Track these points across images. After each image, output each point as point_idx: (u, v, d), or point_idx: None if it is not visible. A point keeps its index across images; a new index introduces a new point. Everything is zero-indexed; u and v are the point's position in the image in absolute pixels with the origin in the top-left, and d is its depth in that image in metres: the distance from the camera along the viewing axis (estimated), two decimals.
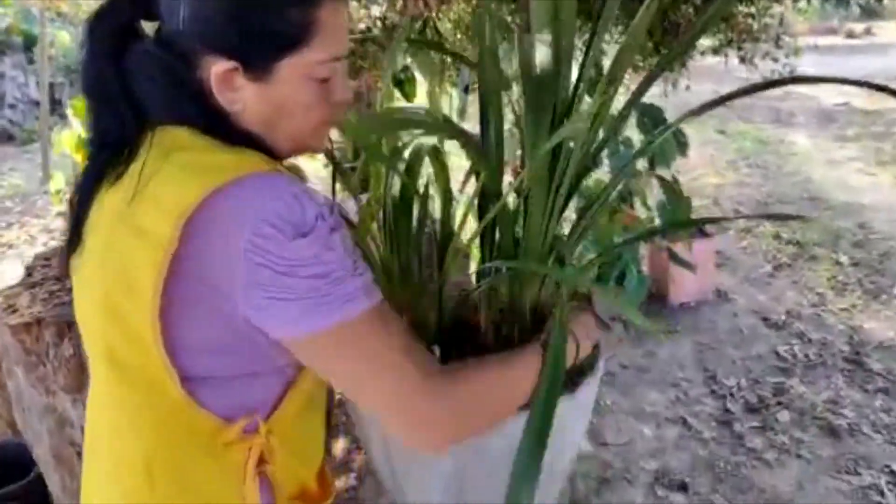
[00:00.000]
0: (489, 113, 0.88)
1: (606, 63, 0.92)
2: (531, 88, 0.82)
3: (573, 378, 0.87)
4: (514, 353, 0.81)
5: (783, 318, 3.26)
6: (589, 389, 0.88)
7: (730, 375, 2.80)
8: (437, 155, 1.00)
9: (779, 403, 2.59)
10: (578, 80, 0.88)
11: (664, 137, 3.64)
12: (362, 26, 2.76)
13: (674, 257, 3.28)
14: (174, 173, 0.65)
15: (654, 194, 4.11)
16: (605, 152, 3.76)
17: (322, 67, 0.69)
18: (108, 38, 0.68)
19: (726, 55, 3.12)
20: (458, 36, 2.89)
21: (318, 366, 0.69)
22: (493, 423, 0.77)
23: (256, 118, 0.70)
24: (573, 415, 0.88)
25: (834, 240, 4.11)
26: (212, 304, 0.64)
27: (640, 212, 3.90)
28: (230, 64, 0.67)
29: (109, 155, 0.69)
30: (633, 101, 1.01)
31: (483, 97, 0.86)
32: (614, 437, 2.45)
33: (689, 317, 3.33)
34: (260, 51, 0.67)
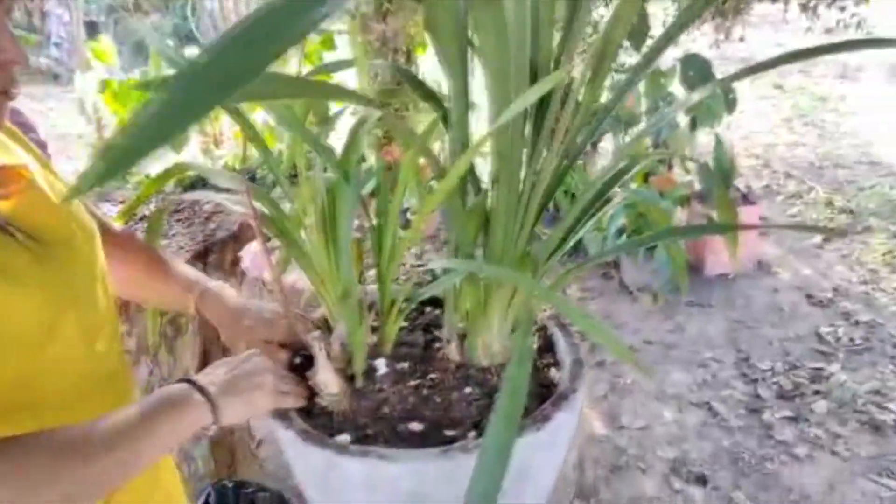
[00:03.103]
0: (449, 73, 0.70)
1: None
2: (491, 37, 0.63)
3: (541, 411, 0.70)
4: (143, 404, 0.63)
5: (829, 295, 3.00)
6: (562, 424, 0.72)
7: (764, 357, 2.59)
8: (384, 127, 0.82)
9: (816, 392, 2.38)
10: (565, 38, 0.69)
11: (711, 94, 3.36)
12: None
13: (711, 224, 3.04)
14: None
15: (696, 155, 3.83)
16: (643, 108, 3.45)
17: None
18: None
19: (786, 2, 2.80)
20: None
21: None
22: None
23: None
24: (540, 456, 0.72)
25: (892, 210, 3.78)
26: None
27: (678, 174, 3.64)
28: None
29: None
30: (647, 62, 0.81)
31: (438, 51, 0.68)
32: (630, 419, 2.30)
33: (724, 290, 3.11)
34: None
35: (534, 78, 0.70)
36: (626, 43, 3.91)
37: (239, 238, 1.63)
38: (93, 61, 4.45)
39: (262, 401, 0.69)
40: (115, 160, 0.28)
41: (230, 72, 0.28)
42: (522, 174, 0.71)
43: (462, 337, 0.79)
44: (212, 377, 0.68)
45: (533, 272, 0.75)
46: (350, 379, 0.74)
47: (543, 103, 0.71)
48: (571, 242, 0.81)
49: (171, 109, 0.28)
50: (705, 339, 2.77)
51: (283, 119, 0.71)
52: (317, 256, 0.76)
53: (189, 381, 0.66)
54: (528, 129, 0.73)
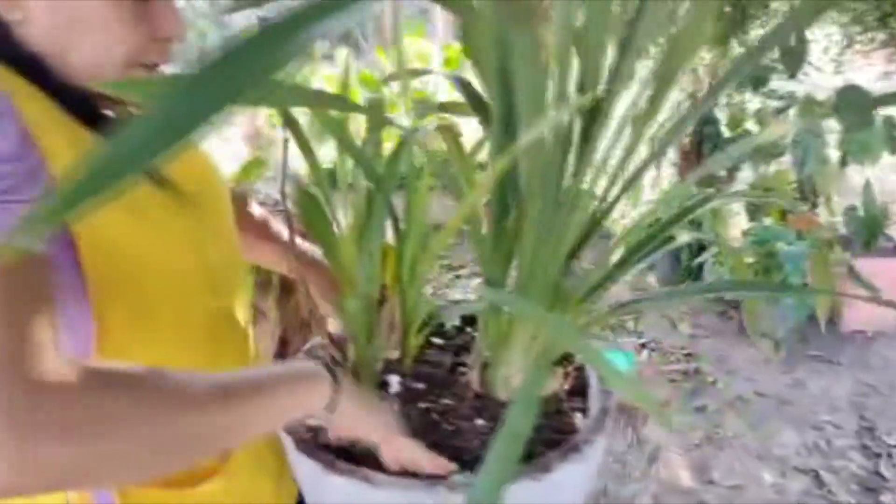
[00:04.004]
0: (490, 94, 0.66)
1: None
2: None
3: (544, 459, 0.65)
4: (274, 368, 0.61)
5: None
6: (569, 476, 0.66)
7: (893, 431, 2.29)
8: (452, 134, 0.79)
9: None
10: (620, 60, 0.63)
11: (869, 128, 3.02)
12: None
13: (852, 274, 2.74)
14: None
15: (844, 195, 3.47)
16: (789, 138, 3.20)
17: None
18: None
19: None
20: None
21: None
22: (168, 464, 0.54)
23: (43, 33, 0.56)
24: (546, 502, 0.66)
25: None
26: None
27: (822, 215, 3.32)
28: None
29: None
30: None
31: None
32: (723, 475, 2.11)
33: (858, 348, 2.79)
34: None
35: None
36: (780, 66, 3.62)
37: None
38: None
39: (379, 429, 0.65)
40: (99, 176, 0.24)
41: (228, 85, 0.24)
42: (556, 197, 0.65)
43: (485, 366, 0.75)
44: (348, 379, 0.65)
45: (562, 308, 0.70)
46: None
47: (589, 130, 0.66)
48: (618, 279, 0.75)
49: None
50: (827, 399, 2.49)
51: (326, 123, 0.70)
52: (347, 264, 0.75)
53: (324, 361, 0.64)
54: (571, 156, 0.68)
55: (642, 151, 0.69)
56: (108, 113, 0.64)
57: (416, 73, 0.95)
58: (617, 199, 0.72)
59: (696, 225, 3.44)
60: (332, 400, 0.62)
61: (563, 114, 0.53)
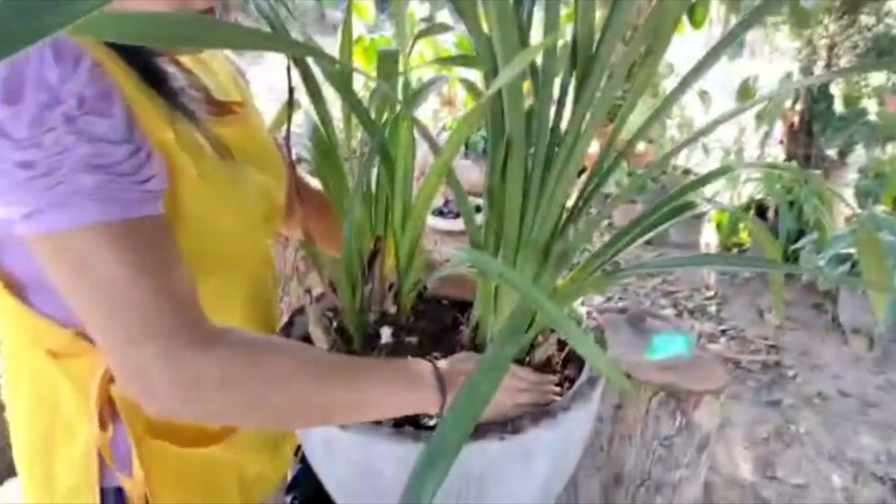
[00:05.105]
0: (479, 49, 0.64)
1: None
2: None
3: (513, 422, 0.64)
4: (363, 361, 0.65)
5: None
6: (539, 441, 0.65)
7: None
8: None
9: None
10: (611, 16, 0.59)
11: None
12: None
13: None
14: None
15: None
16: None
17: None
18: None
19: None
20: None
21: (52, 279, 0.56)
22: (261, 420, 0.63)
23: None
24: (506, 469, 0.65)
25: None
26: None
27: None
28: None
29: None
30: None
31: None
32: (788, 473, 2.00)
33: None
34: None
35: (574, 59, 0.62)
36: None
37: None
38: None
39: (501, 398, 0.66)
40: None
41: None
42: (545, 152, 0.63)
43: (477, 325, 0.75)
44: (457, 368, 0.66)
45: (552, 273, 0.68)
46: (348, 341, 0.74)
47: (583, 83, 0.62)
48: (619, 251, 0.72)
49: None
50: None
51: (328, 75, 0.71)
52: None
53: (434, 366, 0.65)
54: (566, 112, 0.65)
55: (644, 111, 0.65)
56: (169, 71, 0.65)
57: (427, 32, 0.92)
58: (615, 163, 0.68)
59: (798, 209, 3.21)
60: (442, 406, 0.64)
61: (531, 54, 0.50)
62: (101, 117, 0.52)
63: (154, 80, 0.60)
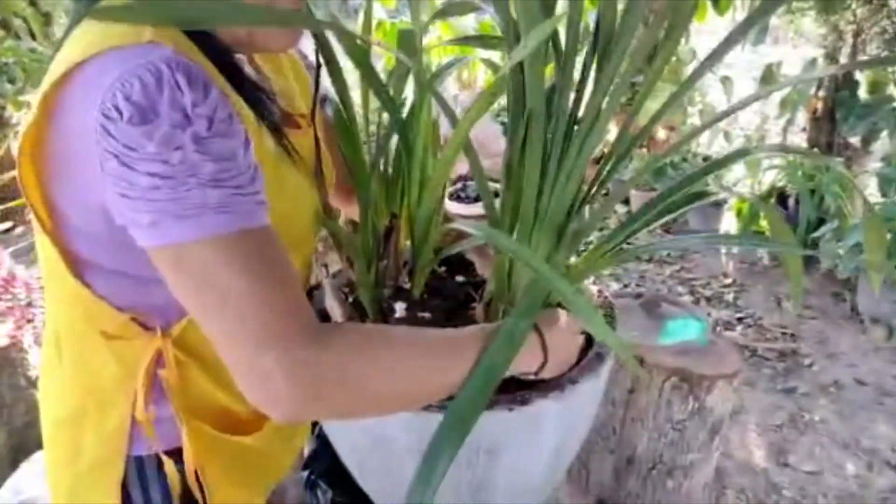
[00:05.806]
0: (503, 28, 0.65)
1: None
2: None
3: (521, 393, 0.66)
4: (456, 333, 0.64)
5: None
6: (546, 412, 0.66)
7: None
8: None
9: None
10: None
11: None
12: None
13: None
14: (76, 35, 0.59)
15: None
16: None
17: None
18: None
19: None
20: None
21: (171, 287, 0.59)
22: (380, 410, 0.63)
23: None
24: (515, 438, 0.67)
25: None
26: (85, 187, 0.59)
27: None
28: None
29: None
30: None
31: None
32: (801, 460, 2.00)
33: None
34: None
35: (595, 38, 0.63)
36: None
37: None
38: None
39: (577, 340, 0.70)
40: None
41: None
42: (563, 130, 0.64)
43: (490, 301, 0.76)
44: (550, 324, 0.68)
45: (567, 252, 0.69)
46: (363, 315, 0.76)
47: (602, 63, 0.63)
48: (633, 233, 0.73)
49: None
50: None
51: (349, 52, 0.73)
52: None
53: (537, 327, 0.66)
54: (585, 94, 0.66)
55: (665, 94, 0.66)
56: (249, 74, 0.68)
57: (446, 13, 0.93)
58: (633, 143, 0.69)
59: (819, 198, 3.18)
60: (543, 363, 0.66)
61: (549, 26, 0.51)
62: (226, 138, 0.55)
63: (242, 86, 0.63)
